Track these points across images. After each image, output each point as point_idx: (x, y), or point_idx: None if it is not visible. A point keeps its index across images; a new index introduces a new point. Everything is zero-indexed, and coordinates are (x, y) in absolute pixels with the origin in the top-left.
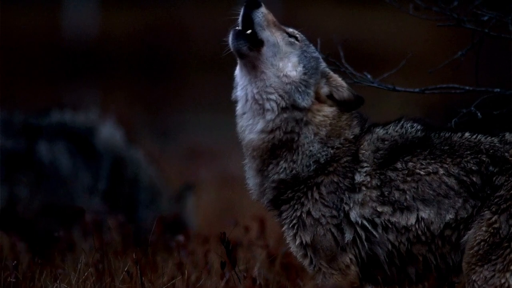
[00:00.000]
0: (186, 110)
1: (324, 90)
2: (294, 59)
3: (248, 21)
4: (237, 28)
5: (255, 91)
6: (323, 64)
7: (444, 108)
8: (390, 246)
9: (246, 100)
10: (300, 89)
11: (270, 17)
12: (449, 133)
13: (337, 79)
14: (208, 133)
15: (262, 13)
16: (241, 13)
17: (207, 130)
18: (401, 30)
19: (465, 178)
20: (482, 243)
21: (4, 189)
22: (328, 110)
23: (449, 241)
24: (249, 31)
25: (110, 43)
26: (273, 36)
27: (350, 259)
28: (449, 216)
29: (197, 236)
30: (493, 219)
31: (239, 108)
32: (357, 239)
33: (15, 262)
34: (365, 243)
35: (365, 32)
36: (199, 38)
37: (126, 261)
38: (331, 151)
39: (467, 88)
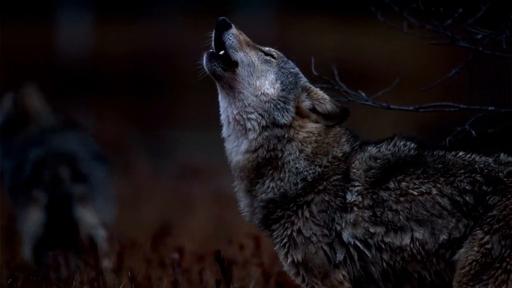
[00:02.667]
0: (180, 128)
1: (306, 103)
2: (271, 76)
3: (220, 44)
4: (210, 50)
5: (235, 112)
6: (303, 79)
7: (438, 127)
8: (384, 265)
9: (229, 123)
10: (279, 106)
11: (242, 37)
12: (443, 152)
13: (319, 92)
14: (201, 151)
15: (233, 35)
16: (213, 36)
17: (201, 148)
18: (395, 48)
19: (458, 198)
20: (474, 263)
21: None
22: (312, 126)
23: (443, 259)
24: (221, 52)
25: (104, 61)
26: (247, 56)
27: (343, 275)
28: (443, 237)
29: (192, 254)
30: (485, 239)
31: (224, 131)
32: (349, 258)
33: (10, 279)
34: (358, 262)
35: (359, 50)
36: (193, 57)
37: (121, 279)
38: (319, 169)
39: (461, 106)
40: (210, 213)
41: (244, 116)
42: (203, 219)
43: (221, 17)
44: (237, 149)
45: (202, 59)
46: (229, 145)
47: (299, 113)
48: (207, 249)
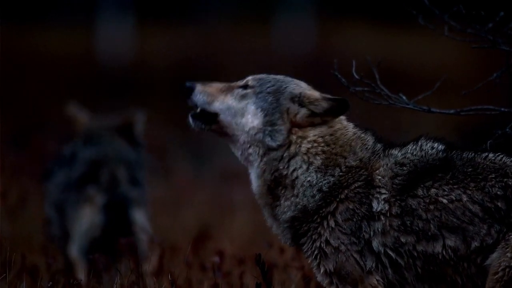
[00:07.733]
0: None
1: (302, 113)
2: (251, 108)
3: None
4: (191, 112)
5: (239, 152)
6: (288, 88)
7: (479, 130)
8: (419, 270)
9: (241, 161)
10: (267, 132)
11: (211, 88)
12: (472, 154)
13: (310, 95)
14: None
15: (200, 93)
16: (188, 101)
17: None
18: (436, 51)
19: (489, 204)
20: (507, 269)
21: None
22: (314, 134)
23: (475, 263)
24: (198, 110)
25: (145, 66)
26: (224, 102)
27: (377, 280)
28: (475, 244)
29: (232, 257)
30: None
31: None
32: (381, 265)
33: (51, 283)
34: (390, 269)
35: (400, 54)
36: (235, 62)
37: (162, 282)
38: (332, 179)
39: (502, 109)
40: (250, 217)
41: (245, 153)
42: (243, 222)
43: (181, 84)
44: (252, 180)
45: (189, 122)
46: (250, 177)
47: (297, 125)
48: (248, 253)
